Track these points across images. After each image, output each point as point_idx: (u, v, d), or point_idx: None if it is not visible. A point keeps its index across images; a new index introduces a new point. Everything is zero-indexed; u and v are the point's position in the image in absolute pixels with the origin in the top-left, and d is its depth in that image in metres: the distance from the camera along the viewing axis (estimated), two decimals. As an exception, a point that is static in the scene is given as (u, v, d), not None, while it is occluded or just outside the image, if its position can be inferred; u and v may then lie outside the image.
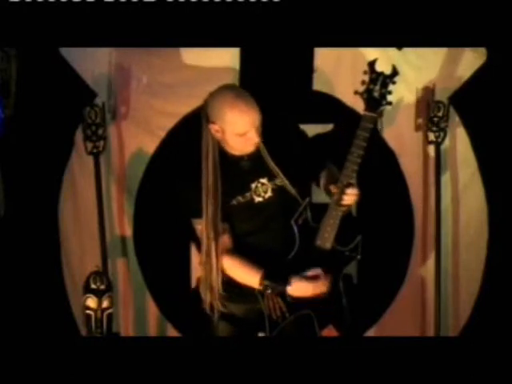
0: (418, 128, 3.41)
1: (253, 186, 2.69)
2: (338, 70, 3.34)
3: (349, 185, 2.58)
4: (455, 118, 3.39)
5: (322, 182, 2.78)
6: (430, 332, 3.44)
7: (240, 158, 2.68)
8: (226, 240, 2.69)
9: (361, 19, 2.60)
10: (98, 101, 3.36)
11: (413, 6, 2.59)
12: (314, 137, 3.34)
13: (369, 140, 2.58)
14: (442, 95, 3.35)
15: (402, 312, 3.49)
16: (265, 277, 2.62)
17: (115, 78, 3.37)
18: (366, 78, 2.61)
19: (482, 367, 2.31)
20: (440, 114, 3.33)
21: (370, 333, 3.49)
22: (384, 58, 3.26)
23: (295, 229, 2.67)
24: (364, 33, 2.63)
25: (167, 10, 2.58)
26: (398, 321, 3.47)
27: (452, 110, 3.36)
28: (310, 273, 2.66)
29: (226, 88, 2.63)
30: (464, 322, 3.49)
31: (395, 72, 2.62)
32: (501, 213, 3.39)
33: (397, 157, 3.43)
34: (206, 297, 2.72)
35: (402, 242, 3.49)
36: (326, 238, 2.66)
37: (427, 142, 3.38)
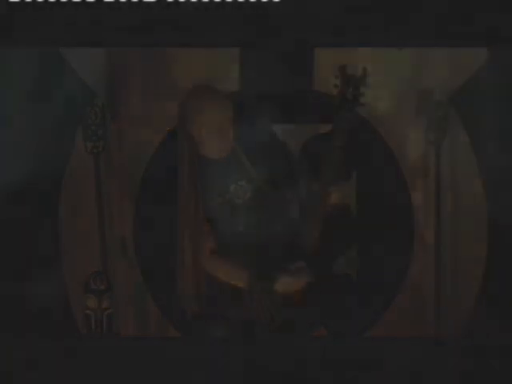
0: (417, 128, 3.41)
1: (231, 188, 2.73)
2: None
3: (334, 183, 2.62)
4: (455, 118, 3.39)
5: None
6: (430, 332, 3.44)
7: (217, 161, 2.72)
8: (209, 241, 2.71)
9: (360, 19, 2.60)
10: (98, 101, 3.36)
11: (413, 6, 2.59)
12: (313, 137, 3.34)
13: (345, 140, 2.62)
14: (441, 95, 3.35)
15: (402, 312, 3.49)
16: (252, 274, 2.63)
17: (115, 78, 3.38)
18: (338, 81, 2.64)
19: (482, 367, 2.31)
20: (440, 114, 3.33)
21: (370, 333, 3.49)
22: (383, 57, 3.30)
23: (282, 229, 2.68)
24: (364, 33, 2.64)
25: (167, 10, 2.58)
26: (398, 321, 3.47)
27: (452, 110, 3.36)
28: (296, 265, 2.67)
29: (199, 86, 2.73)
30: (464, 322, 3.49)
31: (365, 74, 2.65)
32: (501, 213, 3.39)
33: (397, 157, 3.43)
34: (185, 297, 2.74)
35: (402, 243, 3.49)
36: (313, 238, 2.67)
37: (427, 142, 3.38)
